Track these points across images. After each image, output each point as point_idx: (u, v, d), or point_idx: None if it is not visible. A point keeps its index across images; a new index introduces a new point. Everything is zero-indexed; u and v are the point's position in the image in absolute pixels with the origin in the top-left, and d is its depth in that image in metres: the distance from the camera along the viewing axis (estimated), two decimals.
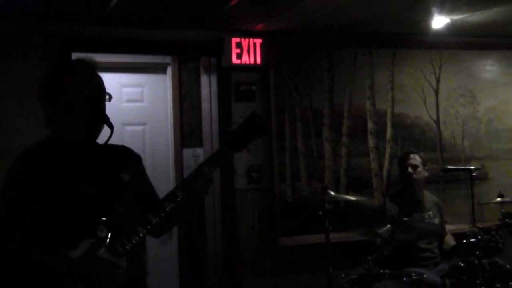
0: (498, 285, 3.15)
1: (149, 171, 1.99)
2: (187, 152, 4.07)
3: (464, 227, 3.65)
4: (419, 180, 3.80)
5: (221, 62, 4.03)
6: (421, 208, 3.80)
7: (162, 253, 3.95)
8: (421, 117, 4.47)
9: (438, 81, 4.52)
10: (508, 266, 3.21)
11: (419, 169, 3.79)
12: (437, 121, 4.51)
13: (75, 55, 3.59)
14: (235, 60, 4.00)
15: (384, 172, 4.32)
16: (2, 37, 3.52)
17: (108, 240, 1.66)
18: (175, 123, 4.08)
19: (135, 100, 4.14)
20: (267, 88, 4.11)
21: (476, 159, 4.46)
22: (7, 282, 1.76)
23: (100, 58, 3.80)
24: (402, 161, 3.86)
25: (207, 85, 4.09)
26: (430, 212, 3.81)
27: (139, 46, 3.90)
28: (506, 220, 3.36)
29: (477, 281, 3.20)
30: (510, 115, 4.66)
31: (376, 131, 4.34)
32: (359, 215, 4.05)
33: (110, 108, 1.86)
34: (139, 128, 4.11)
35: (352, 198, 3.77)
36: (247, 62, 4.02)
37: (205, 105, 4.09)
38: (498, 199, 3.53)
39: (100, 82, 1.83)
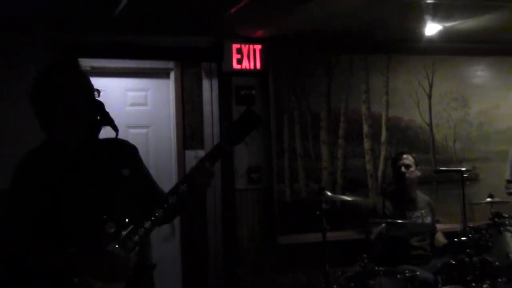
0: (488, 282, 3.15)
1: (152, 172, 1.98)
2: (189, 153, 4.09)
3: (456, 226, 3.67)
4: (412, 179, 3.81)
5: (222, 67, 4.04)
6: (414, 207, 3.80)
7: (165, 250, 3.96)
8: (414, 121, 4.47)
9: (431, 85, 4.52)
10: (497, 263, 3.21)
11: (411, 169, 3.81)
12: (430, 124, 4.50)
13: (82, 61, 3.61)
14: (235, 65, 4.01)
15: (379, 173, 4.32)
16: (11, 44, 3.52)
17: (117, 235, 1.66)
18: (177, 125, 4.09)
19: (139, 103, 4.16)
20: (266, 92, 4.12)
21: (467, 161, 4.45)
22: (9, 281, 1.76)
23: (106, 63, 3.89)
24: (396, 161, 3.86)
25: (209, 89, 4.11)
26: (423, 211, 3.81)
27: (143, 52, 3.92)
28: (496, 219, 3.36)
29: (468, 278, 3.19)
30: (500, 118, 4.65)
31: (371, 133, 4.34)
32: (354, 215, 4.05)
33: (115, 111, 1.91)
34: (143, 130, 4.13)
35: (348, 198, 3.77)
36: (247, 67, 4.04)
37: (206, 109, 4.10)
38: (488, 199, 3.54)
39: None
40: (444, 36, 4.10)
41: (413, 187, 3.85)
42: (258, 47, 4.04)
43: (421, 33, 4.01)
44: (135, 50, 3.88)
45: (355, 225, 3.75)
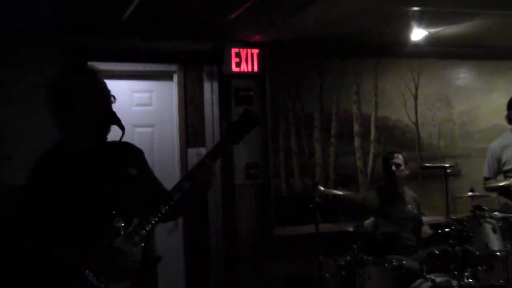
0: (469, 270, 3.16)
1: (156, 168, 1.99)
2: (191, 151, 4.08)
3: (440, 218, 3.67)
4: (401, 177, 3.83)
5: (222, 70, 4.04)
6: (402, 201, 3.82)
7: (168, 242, 3.95)
8: (401, 120, 4.48)
9: (416, 87, 4.53)
10: (477, 253, 3.20)
11: (401, 168, 3.82)
12: (416, 124, 4.51)
13: (90, 64, 3.61)
14: (234, 68, 4.01)
15: (369, 169, 4.34)
16: (23, 49, 3.51)
17: (124, 229, 1.66)
18: (180, 125, 4.08)
19: (144, 104, 4.15)
20: (263, 93, 4.12)
21: (450, 158, 4.46)
22: (17, 275, 1.76)
23: (113, 66, 3.89)
24: (387, 160, 3.87)
25: (209, 91, 4.10)
26: (410, 206, 3.83)
27: (148, 55, 3.90)
28: (476, 212, 3.34)
29: (451, 267, 3.20)
30: (481, 118, 4.66)
31: (361, 132, 4.35)
32: (345, 208, 4.06)
33: (122, 112, 1.85)
34: (148, 129, 4.11)
35: (340, 192, 3.76)
36: (246, 70, 4.04)
37: (207, 109, 4.10)
38: (470, 193, 3.53)
39: (106, 86, 1.81)
40: (429, 41, 4.12)
41: (402, 184, 3.87)
42: (255, 51, 4.05)
43: (407, 38, 4.03)
44: (140, 54, 3.87)
45: (346, 218, 3.76)
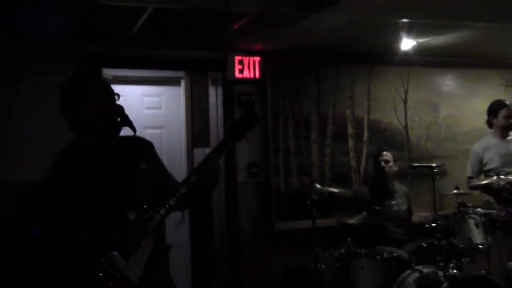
0: (454, 262, 3.16)
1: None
2: (197, 151, 4.08)
3: (427, 214, 3.69)
4: (390, 173, 3.84)
5: (226, 76, 4.04)
6: (392, 196, 3.83)
7: (176, 235, 3.94)
8: (392, 123, 4.48)
9: (406, 93, 4.53)
10: (461, 246, 3.22)
11: (390, 164, 3.84)
12: (405, 126, 4.51)
13: (105, 70, 3.63)
14: (237, 75, 4.01)
15: (362, 168, 4.33)
16: (41, 55, 3.50)
17: (136, 221, 1.66)
18: (187, 127, 4.08)
19: (154, 107, 4.15)
20: (264, 98, 4.13)
21: (437, 158, 4.45)
22: (48, 259, 1.77)
23: (125, 73, 3.91)
24: (377, 157, 3.89)
25: (214, 95, 4.10)
26: (400, 200, 3.84)
27: (157, 63, 3.91)
28: (461, 208, 3.34)
29: (437, 258, 3.21)
30: (465, 121, 4.66)
31: (355, 134, 4.35)
32: (340, 204, 4.07)
33: (134, 114, 1.85)
34: (157, 131, 4.11)
35: (335, 190, 3.76)
36: (248, 76, 4.04)
37: (212, 112, 4.10)
38: (455, 191, 3.53)
39: (111, 88, 1.79)
40: (418, 50, 4.12)
41: (391, 179, 3.88)
42: (257, 59, 4.05)
43: (397, 48, 4.03)
44: (150, 61, 3.87)
45: (340, 213, 3.77)
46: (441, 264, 3.17)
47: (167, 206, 1.69)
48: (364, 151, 4.35)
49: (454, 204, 3.47)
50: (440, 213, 3.40)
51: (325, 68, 4.30)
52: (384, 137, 4.41)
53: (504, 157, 3.77)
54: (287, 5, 3.15)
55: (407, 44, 3.97)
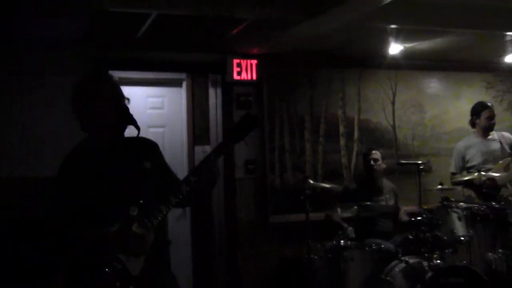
0: (437, 252, 3.18)
1: (168, 163, 1.95)
2: (198, 149, 4.08)
3: (413, 208, 3.72)
4: (379, 170, 3.87)
5: (225, 78, 4.03)
6: (380, 192, 3.85)
7: (177, 228, 3.95)
8: (381, 123, 4.47)
9: (394, 94, 4.53)
10: (445, 238, 3.24)
11: (379, 162, 3.86)
12: (393, 126, 4.51)
13: (111, 73, 3.62)
14: (236, 77, 3.99)
15: (352, 166, 4.33)
16: (51, 58, 3.50)
17: (139, 217, 1.67)
18: (188, 126, 4.08)
19: (157, 107, 4.14)
20: (261, 98, 4.11)
21: (423, 156, 4.44)
22: (56, 250, 1.77)
23: (130, 75, 3.91)
24: (366, 156, 3.91)
25: (214, 96, 4.10)
26: (387, 195, 3.86)
27: (160, 65, 3.91)
28: (444, 202, 3.37)
29: (422, 249, 3.24)
30: (449, 121, 4.66)
31: (346, 133, 4.35)
32: (332, 199, 4.09)
33: (138, 114, 1.86)
34: (160, 129, 4.10)
35: (327, 185, 3.77)
36: (246, 78, 4.02)
37: (212, 112, 4.10)
38: (439, 186, 3.55)
39: (120, 91, 1.80)
40: (405, 54, 4.11)
41: (380, 176, 3.90)
42: (254, 62, 4.03)
43: (386, 52, 4.02)
44: (154, 64, 3.87)
45: (332, 208, 3.78)
46: (426, 255, 3.20)
47: (169, 203, 1.70)
48: (355, 149, 4.35)
49: (438, 199, 3.49)
50: (425, 207, 3.42)
51: (318, 71, 4.28)
52: (373, 136, 4.40)
53: (485, 155, 3.79)
54: (283, 12, 3.15)
55: (395, 48, 3.94)
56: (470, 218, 3.44)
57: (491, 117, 3.83)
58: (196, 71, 4.07)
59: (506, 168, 3.70)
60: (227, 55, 3.98)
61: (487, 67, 4.70)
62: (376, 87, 4.47)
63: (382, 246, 3.36)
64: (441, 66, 4.59)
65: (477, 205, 3.57)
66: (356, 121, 4.39)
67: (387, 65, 4.32)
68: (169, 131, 4.15)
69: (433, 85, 4.65)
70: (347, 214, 3.50)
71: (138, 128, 1.76)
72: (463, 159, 3.86)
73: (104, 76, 1.86)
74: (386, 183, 3.96)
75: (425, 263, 3.15)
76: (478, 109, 3.88)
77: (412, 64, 4.44)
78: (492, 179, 3.60)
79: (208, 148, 4.06)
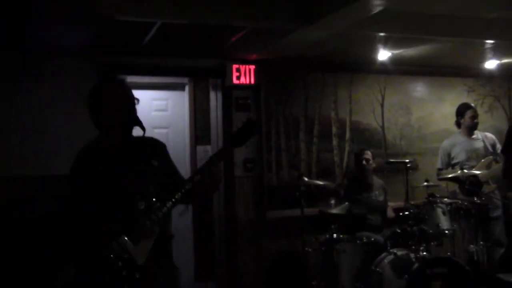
0: (424, 245, 3.18)
1: None
2: (199, 148, 4.07)
3: (401, 203, 3.73)
4: (370, 169, 3.89)
5: (225, 82, 4.02)
6: (370, 189, 3.86)
7: (180, 223, 3.93)
8: (371, 124, 4.47)
9: (383, 97, 4.53)
10: (430, 231, 3.24)
11: (370, 162, 3.89)
12: (382, 127, 4.52)
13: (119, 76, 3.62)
14: (235, 81, 3.99)
15: (344, 164, 4.33)
16: (62, 65, 3.50)
17: (146, 211, 1.69)
18: (190, 127, 4.08)
19: (161, 110, 4.14)
20: (258, 101, 4.11)
21: (410, 155, 4.46)
22: (69, 242, 1.78)
23: (136, 79, 3.92)
24: (359, 156, 3.91)
25: (214, 99, 4.10)
26: (377, 192, 3.87)
27: (164, 70, 3.90)
28: (430, 198, 3.38)
29: (409, 242, 3.24)
30: (434, 123, 4.67)
31: (338, 134, 4.35)
32: (325, 195, 4.10)
33: (143, 116, 1.87)
34: (164, 130, 4.10)
35: (321, 183, 3.75)
36: (244, 82, 4.01)
37: (213, 114, 4.10)
38: (425, 183, 3.57)
39: (131, 93, 1.82)
40: (393, 60, 4.12)
41: (370, 174, 3.92)
42: (252, 67, 4.02)
43: (375, 58, 4.03)
44: (158, 69, 3.86)
45: (325, 203, 3.80)
46: (413, 247, 3.20)
47: (173, 200, 1.71)
48: (347, 149, 4.35)
49: (424, 195, 3.51)
50: (412, 203, 3.43)
51: (312, 75, 4.29)
52: (364, 137, 4.41)
53: (469, 153, 3.82)
54: (279, 20, 3.16)
55: (383, 55, 3.95)
56: (454, 213, 3.46)
57: (474, 116, 3.87)
58: (198, 75, 4.06)
59: (488, 166, 3.73)
60: (226, 61, 3.98)
61: (469, 72, 4.72)
62: (366, 90, 4.48)
63: (372, 239, 3.37)
64: (426, 71, 4.60)
65: (460, 201, 3.58)
66: (347, 123, 4.40)
67: (377, 70, 4.34)
68: (173, 132, 4.15)
69: (419, 89, 4.66)
70: (339, 210, 3.51)
71: (143, 129, 1.78)
72: (449, 156, 3.89)
73: (118, 79, 1.87)
74: (376, 181, 3.97)
75: (412, 255, 3.16)
76: (462, 110, 3.91)
77: (399, 69, 4.44)
78: (475, 175, 3.63)
79: (209, 148, 4.06)
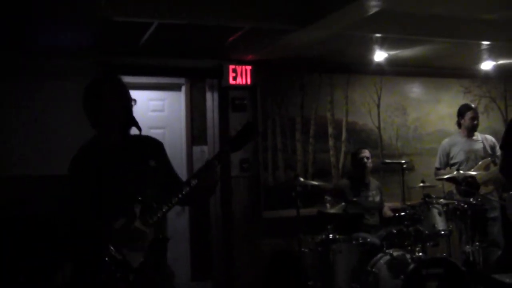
0: (420, 245, 3.19)
1: None
2: (196, 149, 4.07)
3: (397, 204, 3.74)
4: (369, 168, 3.89)
5: (221, 83, 4.02)
6: (367, 189, 3.86)
7: (177, 223, 3.95)
8: (367, 124, 4.47)
9: (379, 98, 4.53)
10: (426, 232, 3.25)
11: (370, 160, 3.89)
12: (379, 127, 4.52)
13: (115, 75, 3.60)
14: (231, 81, 3.99)
15: (340, 165, 4.33)
16: (62, 65, 3.49)
17: (141, 213, 1.68)
18: (187, 127, 4.08)
19: (158, 110, 4.14)
20: (255, 102, 4.11)
21: (406, 155, 4.46)
22: (66, 241, 1.77)
23: (133, 79, 3.91)
24: (358, 154, 3.90)
25: (211, 100, 4.09)
26: (374, 192, 3.87)
27: (161, 71, 3.89)
28: (426, 199, 3.38)
29: (405, 243, 3.25)
30: (430, 123, 4.67)
31: (334, 134, 4.35)
32: (321, 196, 4.09)
33: (140, 116, 1.86)
34: (161, 131, 4.09)
35: (317, 183, 3.76)
36: (240, 83, 4.01)
37: (209, 114, 4.08)
38: (421, 184, 3.57)
39: (128, 92, 1.80)
40: (389, 61, 4.13)
41: (368, 174, 3.92)
42: (249, 67, 4.02)
43: (371, 59, 4.04)
44: (155, 70, 3.85)
45: (321, 204, 3.79)
46: (409, 248, 3.21)
47: (169, 204, 1.70)
48: (343, 149, 4.35)
49: (420, 196, 3.50)
50: (408, 203, 3.44)
51: (308, 76, 4.28)
52: (360, 137, 4.41)
53: (468, 153, 3.84)
54: (278, 21, 3.15)
55: (379, 56, 3.96)
56: (451, 214, 3.46)
57: (474, 117, 3.88)
58: (195, 76, 4.06)
59: (486, 168, 3.75)
60: (223, 61, 3.98)
61: (465, 73, 4.73)
62: (362, 91, 4.48)
63: (368, 239, 3.37)
64: (422, 72, 4.59)
65: (456, 201, 3.59)
66: (344, 123, 4.40)
67: (373, 71, 4.33)
68: (169, 132, 4.14)
69: (415, 90, 4.67)
70: (336, 210, 3.50)
71: (139, 129, 1.76)
72: (447, 156, 3.90)
73: (114, 78, 1.85)
74: (373, 181, 3.97)
75: (408, 256, 3.16)
76: (463, 110, 3.93)
77: (395, 70, 4.43)
78: (473, 176, 3.63)
79: (205, 148, 4.05)
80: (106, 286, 1.63)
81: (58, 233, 2.62)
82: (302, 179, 3.59)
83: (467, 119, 3.87)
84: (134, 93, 1.87)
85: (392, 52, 3.93)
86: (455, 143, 3.89)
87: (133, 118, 1.76)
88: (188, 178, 1.74)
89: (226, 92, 4.06)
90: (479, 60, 4.39)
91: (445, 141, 3.97)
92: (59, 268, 2.83)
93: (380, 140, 4.52)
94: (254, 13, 3.09)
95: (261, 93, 4.13)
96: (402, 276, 3.04)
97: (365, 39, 3.57)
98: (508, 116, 4.85)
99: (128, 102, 1.78)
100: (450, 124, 4.48)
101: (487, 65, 4.50)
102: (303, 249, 3.43)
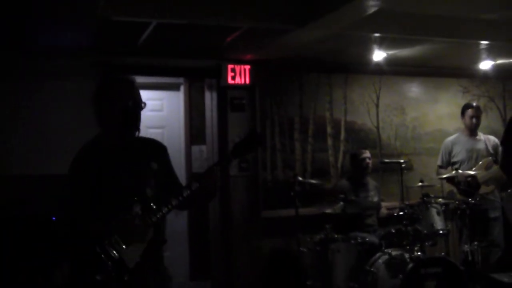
0: (418, 245, 3.20)
1: None
2: (194, 148, 4.09)
3: (395, 203, 3.74)
4: (370, 168, 3.90)
5: (220, 82, 4.00)
6: (365, 189, 3.87)
7: (176, 223, 3.96)
8: (365, 124, 4.46)
9: (378, 98, 4.52)
10: (425, 231, 3.26)
11: (370, 161, 3.89)
12: (377, 127, 4.50)
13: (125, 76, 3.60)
14: (230, 81, 3.97)
15: (339, 164, 4.32)
16: (62, 65, 3.49)
17: (141, 213, 1.68)
18: (186, 127, 4.10)
19: (156, 110, 4.16)
20: (253, 101, 4.09)
21: (404, 155, 4.44)
22: (68, 239, 1.77)
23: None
24: (359, 155, 3.89)
25: (210, 99, 4.09)
26: (372, 192, 3.88)
27: (160, 70, 3.88)
28: (425, 198, 3.39)
29: (404, 242, 3.26)
30: (428, 123, 4.66)
31: (333, 134, 4.34)
32: (320, 195, 4.10)
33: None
34: (159, 130, 4.12)
35: (315, 182, 3.79)
36: (239, 82, 4.00)
37: (208, 114, 4.08)
38: (420, 183, 3.58)
39: (138, 94, 1.80)
40: (388, 61, 4.11)
41: (367, 174, 3.93)
42: (247, 67, 4.01)
43: (370, 59, 4.02)
44: (154, 69, 3.84)
45: (320, 203, 3.79)
46: (407, 247, 3.22)
47: (169, 206, 1.70)
48: (341, 149, 4.33)
49: (419, 195, 3.51)
50: (406, 203, 3.44)
51: (307, 76, 4.26)
52: (359, 137, 4.39)
53: (470, 152, 3.84)
54: (277, 20, 3.15)
55: (378, 55, 3.92)
56: (451, 213, 3.47)
57: (473, 116, 3.88)
58: (193, 76, 4.07)
59: (487, 168, 3.75)
60: (222, 61, 3.96)
61: (463, 73, 4.72)
62: (361, 91, 4.46)
63: (367, 239, 3.37)
64: (421, 72, 4.57)
65: (455, 201, 3.60)
66: (342, 123, 4.38)
67: (372, 71, 4.31)
68: (168, 132, 4.17)
69: (414, 89, 4.65)
70: (334, 210, 3.50)
71: (138, 129, 1.77)
72: (449, 154, 3.91)
73: (129, 78, 1.85)
74: (371, 181, 3.98)
75: (406, 255, 3.17)
76: (463, 109, 3.95)
77: (394, 70, 4.40)
78: (474, 176, 3.64)
79: (204, 147, 4.05)
80: (101, 286, 1.63)
81: (59, 233, 2.62)
82: (300, 179, 3.60)
83: (467, 118, 3.88)
84: None
85: (391, 52, 3.90)
86: (457, 141, 3.90)
87: (139, 119, 1.76)
88: (189, 182, 1.75)
89: (225, 92, 4.05)
90: (477, 60, 4.38)
91: (448, 139, 3.98)
92: (59, 268, 2.83)
93: (379, 140, 4.50)
94: (253, 13, 3.08)
95: (259, 92, 4.12)
96: (400, 276, 3.05)
97: (364, 38, 3.56)
98: (506, 115, 4.85)
99: (140, 103, 1.79)
100: (449, 123, 4.48)
101: (485, 65, 4.50)
102: (301, 248, 3.43)
